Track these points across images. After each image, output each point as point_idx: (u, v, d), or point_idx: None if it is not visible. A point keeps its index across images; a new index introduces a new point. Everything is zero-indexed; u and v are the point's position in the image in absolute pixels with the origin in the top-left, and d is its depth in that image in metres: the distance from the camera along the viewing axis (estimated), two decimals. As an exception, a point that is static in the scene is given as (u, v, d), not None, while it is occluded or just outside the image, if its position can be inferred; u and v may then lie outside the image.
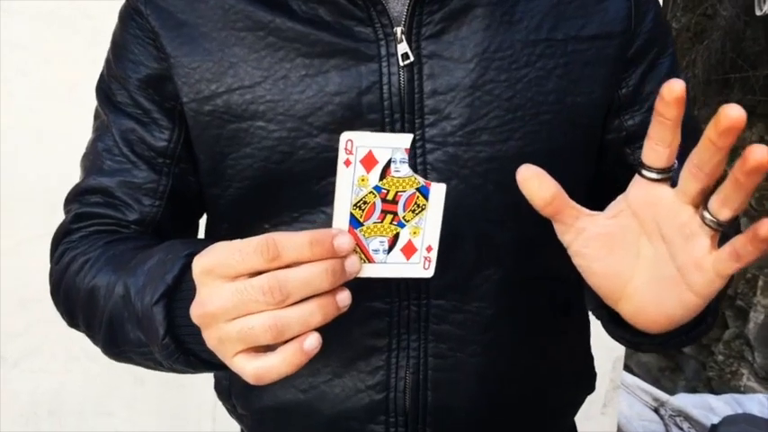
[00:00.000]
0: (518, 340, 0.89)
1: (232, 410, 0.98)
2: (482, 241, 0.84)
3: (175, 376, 1.87)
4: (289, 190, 0.83)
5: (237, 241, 0.60)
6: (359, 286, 0.80)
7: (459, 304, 0.85)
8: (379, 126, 0.80)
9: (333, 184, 0.78)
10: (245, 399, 0.94)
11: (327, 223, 0.80)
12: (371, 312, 0.85)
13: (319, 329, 0.61)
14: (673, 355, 5.12)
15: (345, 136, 0.62)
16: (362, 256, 0.65)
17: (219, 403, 0.99)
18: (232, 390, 0.96)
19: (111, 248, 0.81)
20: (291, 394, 0.90)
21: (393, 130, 0.81)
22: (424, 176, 0.81)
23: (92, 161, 0.87)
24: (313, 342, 0.60)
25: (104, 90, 0.88)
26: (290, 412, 0.90)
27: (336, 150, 0.76)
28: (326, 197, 0.81)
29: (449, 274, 0.84)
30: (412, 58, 0.80)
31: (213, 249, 0.61)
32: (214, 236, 0.91)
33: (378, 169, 0.63)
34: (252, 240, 0.59)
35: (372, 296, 0.85)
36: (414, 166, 0.81)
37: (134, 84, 0.85)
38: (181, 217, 0.90)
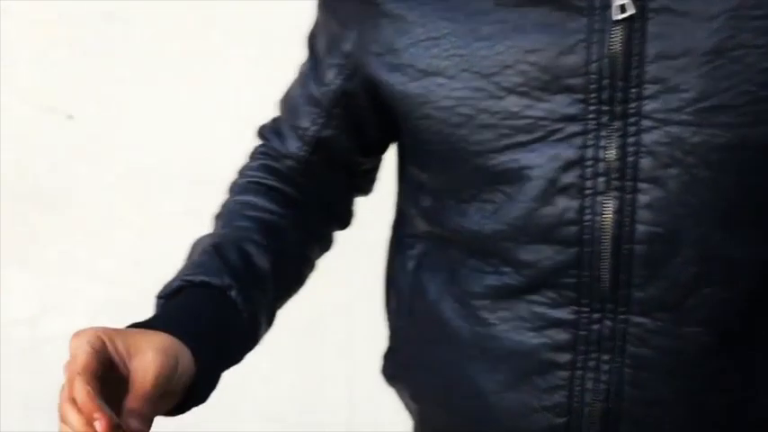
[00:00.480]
0: (743, 383, 0.75)
1: (401, 398, 0.92)
2: (707, 251, 0.70)
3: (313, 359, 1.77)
4: (464, 162, 0.75)
5: (88, 338, 0.63)
6: (535, 284, 0.74)
7: (669, 326, 0.72)
8: (582, 93, 0.69)
9: (513, 161, 0.72)
10: (410, 392, 0.88)
11: (509, 206, 0.73)
12: (551, 321, 0.74)
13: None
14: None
15: None
16: None
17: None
18: (397, 379, 0.90)
19: (235, 213, 0.85)
20: (456, 399, 0.81)
21: (600, 101, 0.69)
22: (636, 161, 0.68)
23: (287, 90, 0.90)
24: None
25: (311, 28, 0.87)
26: (456, 418, 0.83)
27: (523, 118, 0.71)
28: (505, 174, 0.73)
29: (658, 287, 0.71)
30: (632, 11, 0.67)
31: (82, 332, 0.65)
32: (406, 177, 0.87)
33: None
34: (82, 357, 0.62)
35: (553, 301, 0.74)
36: (623, 147, 0.69)
37: (322, 32, 0.83)
38: (335, 170, 0.88)
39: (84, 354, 0.62)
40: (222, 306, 0.74)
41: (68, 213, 1.79)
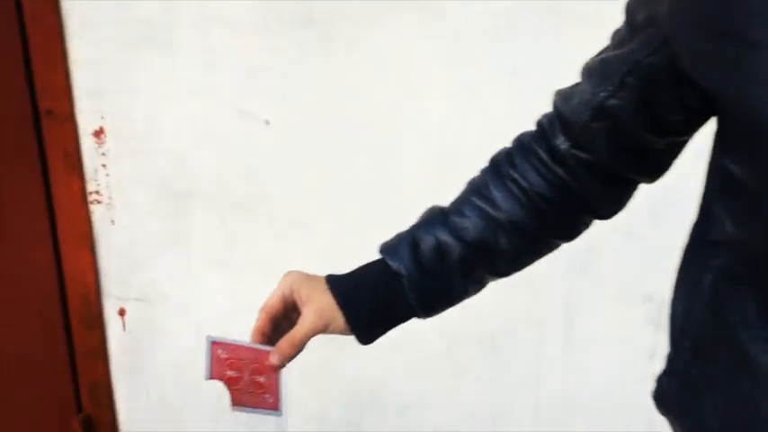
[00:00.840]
0: None
1: (672, 428, 0.85)
2: None
3: (498, 374, 1.71)
4: None
5: (283, 286, 0.89)
6: None
7: None
8: None
9: None
10: (689, 424, 0.80)
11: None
12: None
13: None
14: None
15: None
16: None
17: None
18: (673, 406, 0.82)
19: (466, 196, 0.90)
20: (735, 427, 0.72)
21: None
22: None
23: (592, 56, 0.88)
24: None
25: None
26: None
27: None
28: None
29: None
30: None
31: (288, 274, 0.91)
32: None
33: None
34: (271, 300, 0.90)
35: None
36: None
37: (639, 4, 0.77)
38: (617, 145, 0.82)
39: (273, 297, 0.88)
40: (394, 288, 0.88)
41: (263, 217, 1.81)
